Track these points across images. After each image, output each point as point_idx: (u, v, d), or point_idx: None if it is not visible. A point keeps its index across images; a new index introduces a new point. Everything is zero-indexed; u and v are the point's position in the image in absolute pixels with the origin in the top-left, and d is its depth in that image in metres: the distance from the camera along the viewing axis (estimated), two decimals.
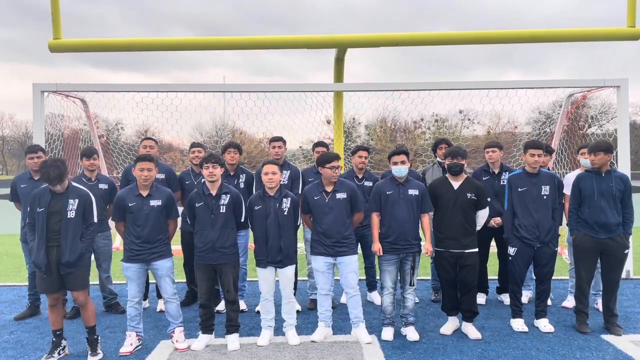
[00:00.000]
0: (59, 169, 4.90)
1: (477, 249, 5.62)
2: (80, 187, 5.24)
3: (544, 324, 5.73)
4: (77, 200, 5.01)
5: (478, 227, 5.72)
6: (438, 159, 7.00)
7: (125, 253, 5.36)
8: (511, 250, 5.77)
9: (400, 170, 5.57)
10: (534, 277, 6.56)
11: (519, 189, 5.70)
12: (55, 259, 4.93)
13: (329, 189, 5.54)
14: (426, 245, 5.59)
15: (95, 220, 5.17)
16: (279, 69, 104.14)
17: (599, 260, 5.73)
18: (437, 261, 5.74)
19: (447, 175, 5.75)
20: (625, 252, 5.63)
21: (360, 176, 6.51)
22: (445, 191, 5.62)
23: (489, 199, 6.02)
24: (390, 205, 5.52)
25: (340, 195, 5.52)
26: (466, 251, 5.54)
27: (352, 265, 5.50)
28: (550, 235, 5.64)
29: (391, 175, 5.67)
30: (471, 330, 5.57)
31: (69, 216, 4.95)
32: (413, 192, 5.55)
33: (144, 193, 5.34)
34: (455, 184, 5.63)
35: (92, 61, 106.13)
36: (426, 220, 5.62)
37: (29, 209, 5.08)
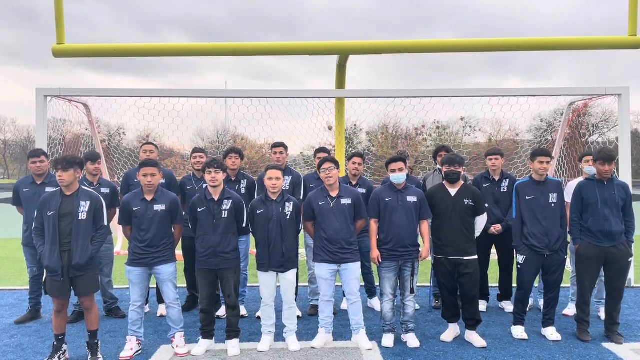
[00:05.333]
0: (75, 157, 5.02)
1: (476, 256, 5.62)
2: (90, 189, 5.29)
3: (551, 332, 5.71)
4: (88, 203, 5.03)
5: (477, 234, 5.73)
6: (438, 165, 7.02)
7: (129, 256, 5.39)
8: (520, 259, 5.74)
9: (398, 177, 5.58)
10: (535, 285, 6.57)
11: (527, 197, 5.68)
12: (67, 263, 4.94)
13: (334, 194, 5.56)
14: (423, 252, 5.58)
15: (106, 223, 5.20)
16: (277, 73, 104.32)
17: (602, 269, 5.73)
18: (436, 268, 5.75)
19: (444, 182, 5.76)
20: (629, 260, 5.63)
21: (354, 183, 6.51)
22: (443, 198, 5.64)
23: (487, 205, 6.03)
24: (389, 212, 5.53)
25: (345, 201, 5.54)
26: (465, 258, 5.54)
27: (355, 272, 5.51)
28: (559, 243, 5.61)
29: (390, 182, 5.69)
30: (475, 338, 5.57)
31: (80, 218, 4.97)
32: (411, 198, 5.56)
33: (149, 197, 5.36)
34: (453, 191, 5.64)
35: (88, 64, 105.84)
36: (425, 226, 5.63)
37: (36, 213, 5.09)
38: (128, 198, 5.44)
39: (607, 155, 5.50)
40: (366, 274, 6.89)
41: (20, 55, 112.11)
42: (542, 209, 5.63)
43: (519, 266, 5.77)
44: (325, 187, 5.62)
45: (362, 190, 6.35)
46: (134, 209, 5.32)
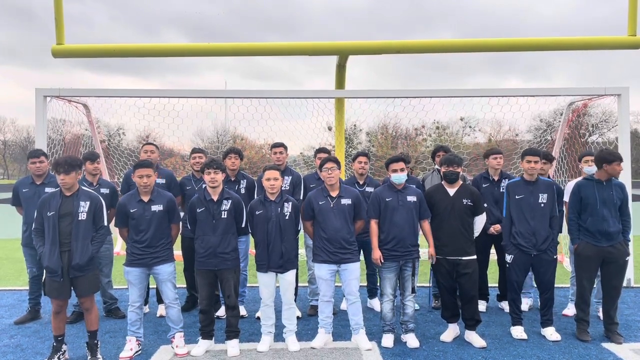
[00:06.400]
0: (75, 159, 5.01)
1: (475, 256, 5.62)
2: (90, 190, 5.28)
3: (551, 333, 5.71)
4: (88, 203, 5.03)
5: (476, 234, 5.73)
6: (437, 165, 7.02)
7: (127, 257, 5.37)
8: (508, 258, 5.77)
9: (399, 177, 5.58)
10: (534, 285, 6.57)
11: (516, 197, 5.71)
12: (67, 263, 4.94)
13: (334, 194, 5.56)
14: (430, 250, 5.60)
15: (105, 223, 5.19)
16: (276, 73, 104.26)
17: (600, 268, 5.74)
18: (435, 268, 5.75)
19: (442, 182, 5.76)
20: (626, 259, 5.65)
21: (361, 182, 6.52)
22: (441, 198, 5.64)
23: (485, 205, 6.03)
24: (389, 212, 5.54)
25: (345, 201, 5.54)
26: (464, 258, 5.54)
27: (355, 273, 5.51)
28: (547, 243, 5.64)
29: (389, 182, 5.69)
30: (475, 339, 5.57)
31: (80, 218, 4.97)
32: (411, 198, 5.57)
33: (145, 199, 5.35)
34: (451, 191, 5.65)
35: (86, 64, 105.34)
36: (427, 226, 5.63)
37: (36, 214, 5.08)
38: (124, 200, 5.42)
39: (619, 155, 5.56)
40: (370, 275, 6.89)
41: (18, 55, 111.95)
42: (530, 209, 5.65)
43: (507, 265, 5.79)
44: (326, 187, 5.63)
45: (369, 189, 6.34)
46: (131, 210, 5.31)
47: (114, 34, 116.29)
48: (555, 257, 5.72)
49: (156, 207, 5.34)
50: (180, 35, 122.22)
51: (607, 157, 5.56)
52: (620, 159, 5.56)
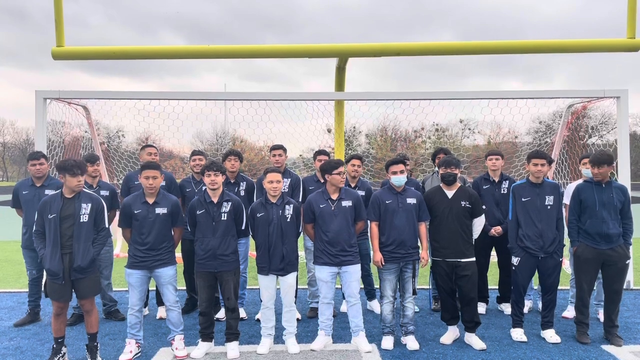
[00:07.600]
0: (81, 162, 5.04)
1: (474, 258, 5.62)
2: (90, 192, 5.29)
3: (550, 335, 5.71)
4: (89, 205, 5.03)
5: (475, 236, 5.73)
6: (436, 167, 7.03)
7: (129, 259, 5.37)
8: (515, 260, 5.76)
9: (399, 179, 5.59)
10: (535, 287, 6.57)
11: (523, 199, 5.71)
12: (68, 265, 4.94)
13: (335, 196, 5.56)
14: (422, 254, 5.61)
15: (107, 225, 5.19)
16: (274, 75, 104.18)
17: (600, 271, 5.74)
18: (434, 270, 5.76)
19: (441, 184, 5.77)
20: (627, 262, 5.64)
21: (353, 185, 6.52)
22: (440, 200, 5.65)
23: (484, 207, 6.03)
24: (389, 215, 5.54)
25: (346, 203, 5.54)
26: (463, 260, 5.54)
27: (356, 275, 5.52)
28: (554, 245, 5.63)
29: (389, 185, 5.70)
30: (475, 341, 5.56)
31: (81, 220, 4.97)
32: (411, 200, 5.58)
33: (150, 200, 5.35)
34: (450, 193, 5.66)
35: (83, 66, 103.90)
36: (423, 228, 5.64)
37: (36, 216, 5.08)
38: (129, 201, 5.42)
39: (595, 158, 5.52)
40: (365, 276, 6.88)
41: (14, 57, 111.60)
42: (537, 211, 5.65)
43: (513, 268, 5.79)
44: (326, 190, 5.63)
45: (361, 192, 6.35)
46: (135, 211, 5.31)
47: (109, 35, 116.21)
48: (561, 259, 5.72)
49: (160, 210, 5.33)
50: (177, 35, 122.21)
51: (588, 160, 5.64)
52: (590, 162, 5.57)
